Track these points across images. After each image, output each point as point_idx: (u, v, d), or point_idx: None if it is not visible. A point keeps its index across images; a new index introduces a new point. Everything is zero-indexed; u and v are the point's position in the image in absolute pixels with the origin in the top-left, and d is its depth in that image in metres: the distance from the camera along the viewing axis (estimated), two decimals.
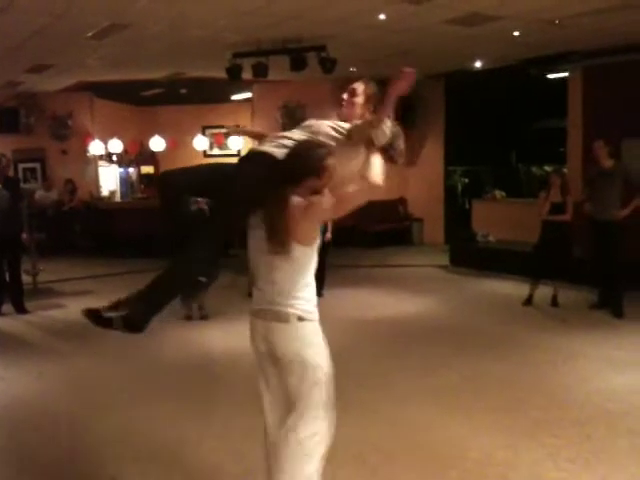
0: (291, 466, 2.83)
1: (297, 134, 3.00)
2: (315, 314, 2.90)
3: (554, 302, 7.90)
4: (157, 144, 14.79)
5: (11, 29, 8.03)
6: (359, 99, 3.09)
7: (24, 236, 8.04)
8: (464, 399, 4.93)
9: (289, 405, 2.91)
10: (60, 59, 10.14)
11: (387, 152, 3.04)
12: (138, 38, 8.74)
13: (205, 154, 15.72)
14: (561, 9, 7.57)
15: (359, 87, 3.12)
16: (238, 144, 15.29)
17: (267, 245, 2.81)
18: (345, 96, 3.13)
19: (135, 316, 2.96)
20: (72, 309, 8.33)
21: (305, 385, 2.84)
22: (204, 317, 7.60)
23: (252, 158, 3.01)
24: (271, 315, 2.89)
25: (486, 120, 13.26)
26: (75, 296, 9.11)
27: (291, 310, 2.83)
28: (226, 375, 5.70)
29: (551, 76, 11.16)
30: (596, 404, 4.77)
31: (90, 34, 8.39)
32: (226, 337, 6.92)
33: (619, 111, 9.68)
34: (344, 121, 3.04)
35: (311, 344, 2.86)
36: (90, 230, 12.98)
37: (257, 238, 2.88)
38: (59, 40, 8.72)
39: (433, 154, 13.64)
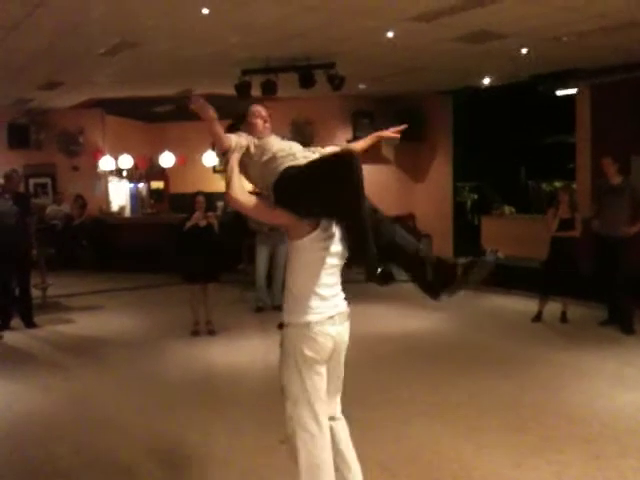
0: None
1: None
2: None
3: (563, 318, 7.85)
4: (167, 160, 14.89)
5: (23, 46, 8.15)
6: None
7: (34, 252, 8.11)
8: (470, 417, 4.89)
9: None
10: (71, 76, 10.26)
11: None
12: (148, 55, 8.84)
13: (214, 170, 15.79)
14: (568, 27, 7.60)
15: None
16: None
17: (337, 251, 3.06)
18: (263, 121, 3.38)
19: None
20: (80, 324, 8.38)
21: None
22: (211, 332, 7.61)
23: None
24: (341, 318, 3.12)
25: (495, 136, 13.27)
26: (83, 311, 9.15)
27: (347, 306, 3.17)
28: (231, 391, 5.69)
29: (559, 93, 11.16)
30: (604, 422, 4.72)
31: (101, 51, 8.49)
32: (232, 353, 6.93)
33: (627, 128, 9.66)
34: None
35: None
36: (99, 245, 13.04)
37: (315, 250, 3.03)
38: (70, 57, 8.83)
39: (441, 170, 13.63)
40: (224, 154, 3.17)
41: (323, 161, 3.02)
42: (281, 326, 3.13)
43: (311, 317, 3.01)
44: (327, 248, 3.05)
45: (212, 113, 3.07)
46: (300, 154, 3.14)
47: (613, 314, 7.57)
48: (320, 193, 2.96)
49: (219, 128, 3.13)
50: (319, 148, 3.26)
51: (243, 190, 3.04)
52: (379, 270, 2.94)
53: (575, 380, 5.75)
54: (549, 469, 3.96)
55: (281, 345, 3.14)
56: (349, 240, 3.01)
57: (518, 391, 5.48)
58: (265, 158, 3.16)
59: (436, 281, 3.11)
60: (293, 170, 3.05)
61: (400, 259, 3.14)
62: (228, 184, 3.04)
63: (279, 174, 3.06)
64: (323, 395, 3.10)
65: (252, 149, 3.21)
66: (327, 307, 3.05)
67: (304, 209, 3.01)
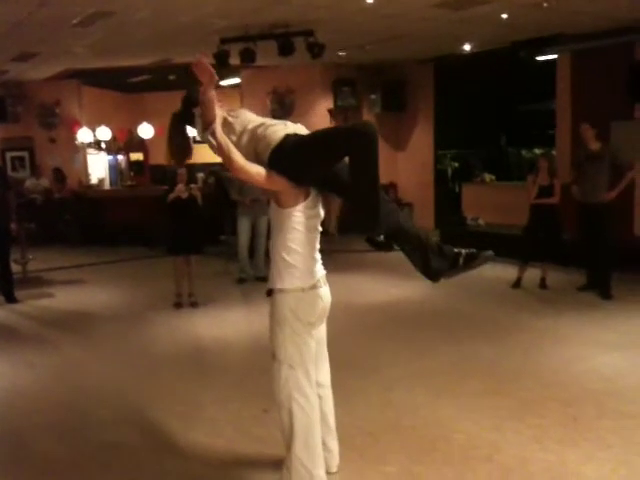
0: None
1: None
2: None
3: (543, 284, 7.95)
4: (146, 131, 14.71)
5: None
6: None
7: (13, 226, 8.02)
8: (451, 382, 4.97)
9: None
10: (46, 47, 10.07)
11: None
12: (124, 25, 8.68)
13: (194, 140, 15.62)
14: None
15: None
16: None
17: (319, 216, 3.21)
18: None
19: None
20: (62, 298, 8.35)
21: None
22: (194, 304, 7.61)
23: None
24: (324, 279, 3.30)
25: (476, 104, 13.25)
26: (65, 285, 9.12)
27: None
28: (216, 362, 5.73)
29: (540, 59, 11.14)
30: (582, 385, 4.82)
31: (75, 21, 8.33)
32: (216, 324, 6.95)
33: (607, 94, 9.69)
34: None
35: None
36: (79, 219, 12.94)
37: (310, 217, 3.16)
38: (44, 28, 8.66)
39: (423, 138, 13.63)
40: (206, 129, 3.14)
41: (339, 130, 3.09)
42: (270, 293, 3.23)
43: (304, 282, 3.17)
44: (317, 215, 3.20)
45: (213, 76, 3.02)
46: (286, 125, 3.19)
47: (592, 280, 7.67)
48: (333, 161, 3.07)
49: (213, 95, 3.09)
50: (287, 122, 3.25)
51: (243, 157, 3.06)
52: (382, 237, 3.05)
53: (554, 345, 5.85)
54: (528, 432, 4.05)
55: (272, 311, 3.23)
56: (355, 206, 3.05)
57: (498, 356, 5.57)
58: (251, 126, 3.19)
59: (437, 267, 3.24)
60: (295, 138, 3.11)
61: (402, 241, 3.24)
62: (228, 155, 3.03)
63: (278, 141, 3.09)
64: (314, 358, 3.26)
65: (231, 120, 3.22)
66: (317, 270, 3.24)
67: (307, 176, 3.09)
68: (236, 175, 3.14)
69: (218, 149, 3.07)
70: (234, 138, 3.17)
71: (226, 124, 3.20)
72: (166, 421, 4.39)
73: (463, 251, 3.24)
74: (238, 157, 3.04)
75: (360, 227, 3.05)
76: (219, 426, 4.29)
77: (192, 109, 3.32)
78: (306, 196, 3.14)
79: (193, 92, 3.28)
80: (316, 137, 3.12)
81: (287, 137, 3.10)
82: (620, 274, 7.77)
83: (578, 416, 4.27)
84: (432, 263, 3.22)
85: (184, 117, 3.45)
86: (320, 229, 3.26)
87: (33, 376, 5.49)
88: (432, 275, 3.29)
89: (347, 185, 3.05)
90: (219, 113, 3.18)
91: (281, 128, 3.15)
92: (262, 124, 3.18)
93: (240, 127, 3.21)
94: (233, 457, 3.84)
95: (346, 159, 3.05)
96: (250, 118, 3.26)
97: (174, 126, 3.42)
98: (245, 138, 3.18)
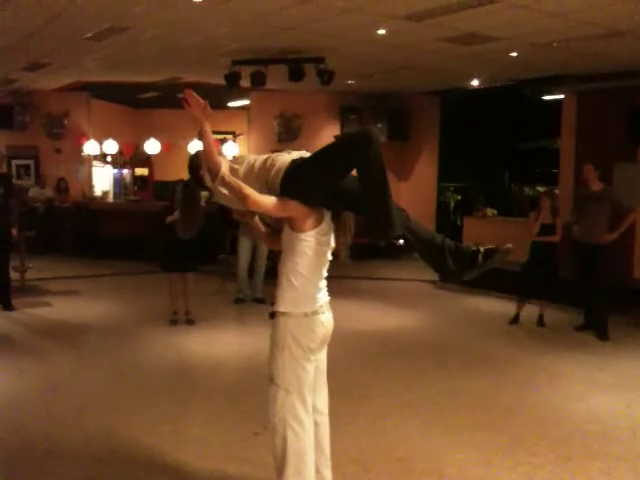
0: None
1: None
2: None
3: (540, 322, 7.93)
4: (152, 147, 14.80)
5: (8, 27, 8.04)
6: None
7: (13, 232, 8.02)
8: (443, 415, 4.95)
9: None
10: (57, 58, 10.15)
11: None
12: (136, 41, 8.77)
13: None
14: (557, 33, 7.66)
15: None
16: (234, 150, 15.34)
17: (329, 244, 3.23)
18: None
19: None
20: (58, 308, 8.33)
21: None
22: (190, 322, 7.59)
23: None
24: (327, 305, 3.32)
25: (480, 138, 13.37)
26: (62, 295, 9.10)
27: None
28: (208, 382, 5.70)
29: (546, 98, 11.26)
30: (576, 425, 4.80)
31: (88, 35, 8.41)
32: (210, 343, 6.93)
33: (611, 135, 9.77)
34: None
35: None
36: (79, 230, 12.95)
37: (321, 244, 3.18)
38: (57, 40, 8.73)
39: (426, 170, 13.71)
40: (214, 179, 3.18)
41: (341, 142, 3.08)
42: (273, 315, 3.24)
43: (310, 307, 3.19)
44: (328, 242, 3.23)
45: (206, 108, 3.12)
46: (290, 153, 3.24)
47: (589, 319, 7.66)
48: (340, 173, 3.07)
49: (210, 135, 3.14)
50: (291, 151, 3.29)
51: (255, 191, 3.07)
52: (400, 241, 3.03)
53: (549, 383, 5.83)
54: (519, 469, 4.02)
55: (273, 334, 3.23)
56: (370, 213, 3.02)
57: (492, 391, 5.55)
58: (259, 162, 3.24)
59: (456, 268, 3.17)
60: (300, 160, 3.16)
61: (417, 244, 3.19)
62: (241, 192, 3.04)
63: (287, 167, 3.14)
64: (312, 384, 3.26)
65: (236, 167, 3.27)
66: (321, 297, 3.25)
67: (318, 194, 3.09)
68: (253, 209, 3.17)
69: (231, 191, 3.09)
70: (248, 181, 3.19)
71: (232, 171, 3.23)
72: (154, 438, 4.36)
73: (482, 248, 3.17)
74: (250, 192, 3.06)
75: (377, 233, 3.01)
76: (208, 447, 4.26)
77: (199, 172, 3.37)
78: (320, 222, 3.16)
79: (194, 158, 3.44)
80: (319, 153, 3.15)
81: (293, 162, 3.15)
82: (619, 316, 7.77)
83: (570, 456, 4.24)
84: (448, 262, 3.15)
85: (194, 182, 3.54)
86: (330, 257, 3.27)
87: (23, 385, 5.46)
88: (449, 274, 3.22)
89: (360, 197, 3.04)
90: (224, 162, 3.22)
91: (286, 155, 3.20)
92: (269, 157, 3.24)
93: (247, 167, 3.25)
94: (221, 478, 3.80)
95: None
96: (255, 157, 3.32)
97: (188, 196, 3.55)
98: (255, 174, 3.21)
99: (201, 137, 3.13)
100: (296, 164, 3.13)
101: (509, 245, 3.18)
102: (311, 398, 3.25)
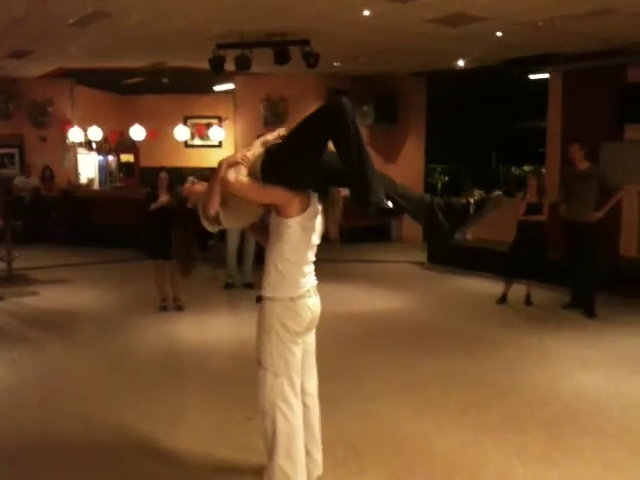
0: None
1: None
2: None
3: (527, 301, 7.99)
4: (137, 133, 14.68)
5: None
6: None
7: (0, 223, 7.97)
8: (434, 396, 4.98)
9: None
10: (41, 45, 10.03)
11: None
12: (119, 26, 8.67)
13: (186, 144, 15.66)
14: (543, 12, 7.64)
15: None
16: (220, 135, 15.26)
17: (320, 230, 3.24)
18: None
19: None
20: (46, 297, 8.29)
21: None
22: (179, 308, 7.58)
23: None
24: (314, 289, 3.31)
25: (467, 119, 13.33)
26: (50, 284, 9.05)
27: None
28: (200, 367, 5.71)
29: (532, 77, 11.25)
30: (564, 403, 4.85)
31: (72, 21, 8.30)
32: (201, 329, 6.93)
33: (598, 114, 9.79)
34: None
35: None
36: (67, 218, 12.87)
37: (308, 230, 3.18)
38: (40, 26, 8.62)
39: (414, 151, 13.70)
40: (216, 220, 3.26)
41: (311, 116, 3.04)
42: (259, 300, 3.26)
43: (295, 292, 3.19)
44: (314, 228, 3.21)
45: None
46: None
47: (576, 298, 7.72)
48: (317, 148, 3.02)
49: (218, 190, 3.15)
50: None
51: (237, 175, 3.06)
52: (388, 204, 2.93)
53: (537, 361, 5.88)
54: (509, 448, 4.06)
55: (260, 319, 3.25)
56: (352, 181, 2.98)
57: (481, 371, 5.59)
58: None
59: (448, 223, 3.14)
60: (274, 145, 3.15)
61: (406, 206, 3.16)
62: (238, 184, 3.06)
63: (264, 156, 3.13)
64: (300, 366, 3.27)
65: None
66: (307, 281, 3.24)
67: (301, 175, 3.07)
68: (233, 191, 3.14)
69: (241, 189, 3.11)
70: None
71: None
72: (147, 424, 4.37)
73: (471, 199, 3.13)
74: (233, 175, 3.04)
75: (359, 201, 2.94)
76: (201, 433, 4.27)
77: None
78: (306, 207, 3.15)
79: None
80: (292, 133, 3.12)
81: (268, 150, 3.15)
82: (606, 294, 7.83)
83: (559, 433, 4.29)
84: (440, 219, 3.11)
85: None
86: (317, 242, 3.26)
87: (13, 374, 5.45)
88: (445, 234, 3.16)
89: (342, 170, 3.00)
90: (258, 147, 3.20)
91: (260, 145, 3.20)
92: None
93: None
94: (214, 463, 3.83)
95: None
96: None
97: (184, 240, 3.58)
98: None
99: (210, 186, 3.17)
100: (271, 151, 3.12)
101: (498, 192, 3.17)
102: (299, 381, 3.27)
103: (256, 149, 3.16)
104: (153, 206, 7.27)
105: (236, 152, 3.25)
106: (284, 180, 3.07)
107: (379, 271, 10.48)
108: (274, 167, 3.07)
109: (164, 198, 7.31)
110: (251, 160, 3.12)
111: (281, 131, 3.21)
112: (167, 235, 7.26)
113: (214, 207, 3.15)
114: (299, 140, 3.06)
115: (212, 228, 3.37)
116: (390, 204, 2.91)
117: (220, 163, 3.11)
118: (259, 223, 3.49)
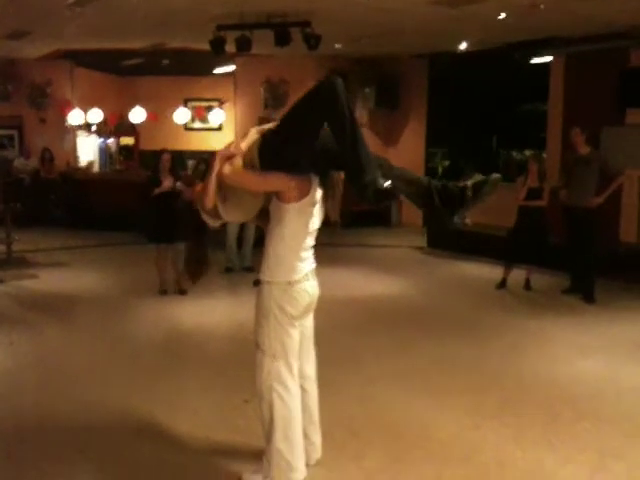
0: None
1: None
2: None
3: (527, 285, 7.99)
4: (137, 115, 14.60)
5: None
6: None
7: None
8: (432, 380, 5.00)
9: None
10: (39, 26, 9.93)
11: None
12: (119, 7, 8.58)
13: (186, 127, 15.59)
14: None
15: None
16: (220, 118, 15.18)
17: (320, 215, 3.25)
18: None
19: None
20: (46, 280, 8.29)
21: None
22: (182, 292, 7.54)
23: None
24: (312, 273, 3.31)
25: (469, 103, 13.25)
26: (49, 267, 9.05)
27: None
28: (199, 350, 5.73)
29: (534, 61, 11.17)
30: (562, 387, 4.87)
31: (70, 1, 8.22)
32: (201, 312, 6.94)
33: (600, 98, 9.72)
34: None
35: None
36: (66, 201, 12.84)
37: (307, 215, 3.17)
38: (38, 6, 8.53)
39: (414, 135, 13.63)
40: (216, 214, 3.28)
41: (304, 98, 3.00)
42: (257, 283, 3.28)
43: (293, 276, 3.20)
44: (314, 213, 3.20)
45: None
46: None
47: (575, 283, 7.72)
48: (312, 129, 2.99)
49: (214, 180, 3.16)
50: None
51: (233, 169, 3.07)
52: (384, 184, 2.90)
53: (536, 346, 5.89)
54: (507, 432, 4.08)
55: (258, 302, 3.26)
56: (346, 159, 2.96)
57: (480, 356, 5.60)
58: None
59: (446, 206, 3.11)
60: (270, 130, 3.13)
61: (404, 188, 3.14)
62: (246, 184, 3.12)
63: (260, 141, 3.11)
64: (297, 350, 3.28)
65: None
66: (305, 266, 3.25)
67: (299, 158, 3.05)
68: (230, 183, 3.15)
69: (237, 180, 3.13)
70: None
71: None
72: (146, 408, 4.39)
73: (469, 182, 3.10)
74: (228, 169, 3.07)
75: (354, 183, 2.93)
76: (200, 415, 4.29)
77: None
78: (307, 192, 3.14)
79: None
80: (286, 116, 3.10)
81: (263, 136, 3.14)
82: (605, 280, 7.82)
83: (557, 418, 4.31)
84: (437, 203, 3.09)
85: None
86: (316, 227, 3.26)
87: (12, 356, 5.46)
88: (443, 217, 3.14)
89: (338, 151, 2.98)
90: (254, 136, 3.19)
91: (255, 132, 3.19)
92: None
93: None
94: (213, 446, 3.84)
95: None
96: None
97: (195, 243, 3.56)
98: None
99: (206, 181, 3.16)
100: (266, 137, 3.11)
101: (496, 175, 3.14)
102: (297, 364, 3.28)
103: (251, 138, 3.15)
104: (157, 191, 7.23)
105: (230, 144, 3.24)
106: (281, 164, 3.05)
107: (379, 256, 10.47)
108: (271, 152, 3.06)
109: (167, 183, 7.28)
110: (244, 150, 3.11)
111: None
112: (169, 219, 7.31)
113: (211, 200, 3.15)
114: (293, 122, 3.04)
115: (213, 222, 3.36)
116: (385, 184, 2.89)
117: (214, 155, 3.12)
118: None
